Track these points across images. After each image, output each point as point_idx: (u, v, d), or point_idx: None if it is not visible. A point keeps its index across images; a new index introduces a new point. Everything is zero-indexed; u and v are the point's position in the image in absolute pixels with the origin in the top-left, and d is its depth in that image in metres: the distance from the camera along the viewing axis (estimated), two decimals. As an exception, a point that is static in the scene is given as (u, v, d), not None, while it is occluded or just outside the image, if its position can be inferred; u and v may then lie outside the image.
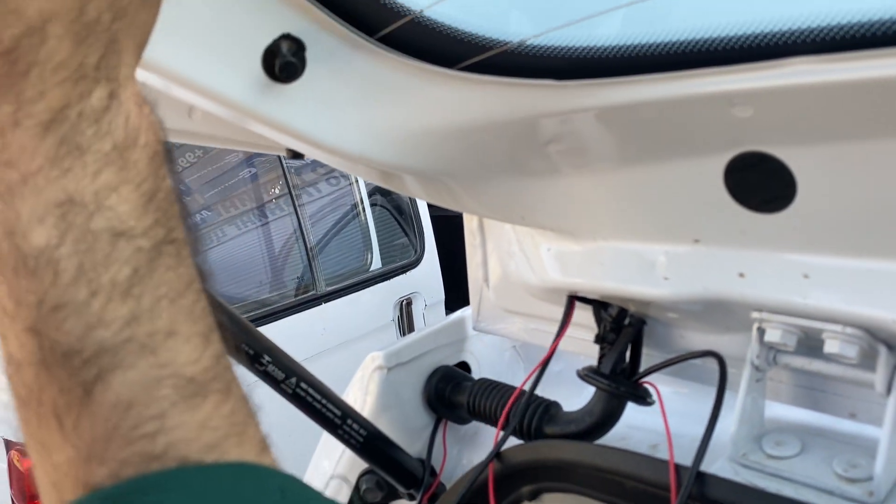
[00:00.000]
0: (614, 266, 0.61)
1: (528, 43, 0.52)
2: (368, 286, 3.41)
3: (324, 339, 3.15)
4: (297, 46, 0.56)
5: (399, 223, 3.82)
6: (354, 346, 3.31)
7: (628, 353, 0.67)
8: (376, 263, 3.55)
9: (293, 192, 3.24)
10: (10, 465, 2.44)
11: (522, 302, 0.75)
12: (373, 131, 0.59)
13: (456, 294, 3.88)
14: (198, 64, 0.55)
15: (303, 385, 0.67)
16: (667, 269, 0.58)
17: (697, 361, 0.63)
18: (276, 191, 3.26)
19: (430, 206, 3.82)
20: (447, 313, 3.80)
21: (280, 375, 0.67)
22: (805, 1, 0.43)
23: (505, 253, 0.73)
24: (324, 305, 3.17)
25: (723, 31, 0.45)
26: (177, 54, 0.54)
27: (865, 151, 0.45)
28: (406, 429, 0.78)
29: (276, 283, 3.15)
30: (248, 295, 3.05)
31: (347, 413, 0.69)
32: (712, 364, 0.62)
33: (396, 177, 0.64)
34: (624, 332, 0.63)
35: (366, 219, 3.60)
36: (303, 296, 3.12)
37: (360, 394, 0.78)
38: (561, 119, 0.55)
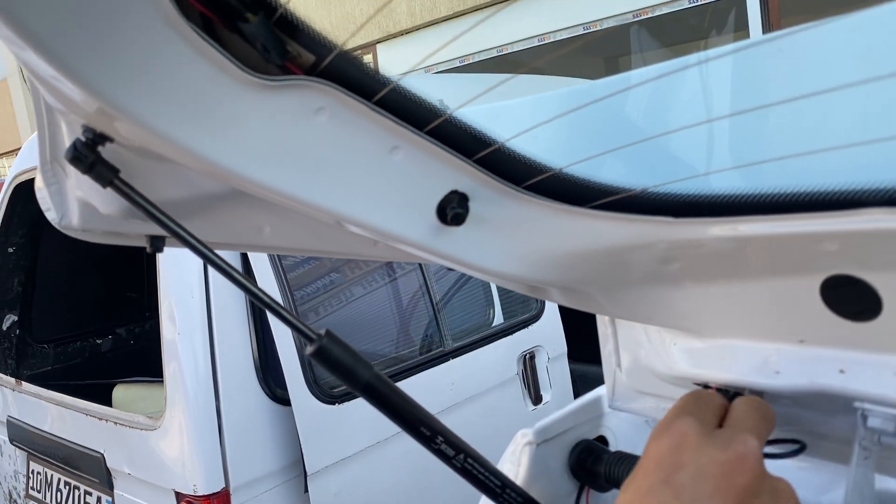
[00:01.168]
0: (734, 361, 0.72)
1: (649, 190, 0.65)
2: (492, 341, 3.55)
3: (452, 394, 3.30)
4: (463, 198, 0.72)
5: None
6: (482, 400, 3.46)
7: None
8: (498, 318, 3.69)
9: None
10: None
11: (652, 384, 0.87)
12: (522, 257, 0.74)
13: (578, 346, 3.96)
14: (385, 216, 0.72)
15: (469, 460, 0.82)
16: (778, 365, 0.69)
17: (812, 438, 0.72)
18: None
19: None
20: (570, 365, 3.87)
21: (451, 452, 0.81)
22: (877, 167, 0.54)
23: (635, 342, 0.85)
24: (451, 361, 3.33)
25: (810, 186, 0.57)
26: (367, 209, 0.71)
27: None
28: (554, 496, 0.91)
29: (407, 342, 3.34)
30: (382, 352, 3.24)
31: (506, 483, 0.83)
32: (826, 442, 0.71)
33: (542, 289, 0.78)
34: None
35: (487, 275, 3.75)
36: (431, 353, 3.29)
37: (513, 466, 0.92)
38: (676, 246, 0.68)
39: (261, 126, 0.65)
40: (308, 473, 2.74)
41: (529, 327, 3.74)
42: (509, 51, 9.35)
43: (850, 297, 0.61)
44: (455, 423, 3.23)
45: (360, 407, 2.93)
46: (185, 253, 2.91)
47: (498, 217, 0.72)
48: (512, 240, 0.73)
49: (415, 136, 0.69)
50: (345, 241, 0.83)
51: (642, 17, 8.41)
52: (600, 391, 0.96)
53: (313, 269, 3.13)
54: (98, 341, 4.62)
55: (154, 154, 0.70)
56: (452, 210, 0.71)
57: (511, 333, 3.65)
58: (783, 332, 0.68)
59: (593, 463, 0.92)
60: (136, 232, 0.81)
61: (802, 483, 0.77)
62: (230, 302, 2.74)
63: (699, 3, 8.12)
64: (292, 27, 0.62)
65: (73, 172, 0.75)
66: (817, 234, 0.57)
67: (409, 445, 3.30)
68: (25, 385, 3.61)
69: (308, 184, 0.69)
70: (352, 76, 0.66)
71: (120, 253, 4.64)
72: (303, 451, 2.72)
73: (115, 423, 2.95)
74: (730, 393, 0.75)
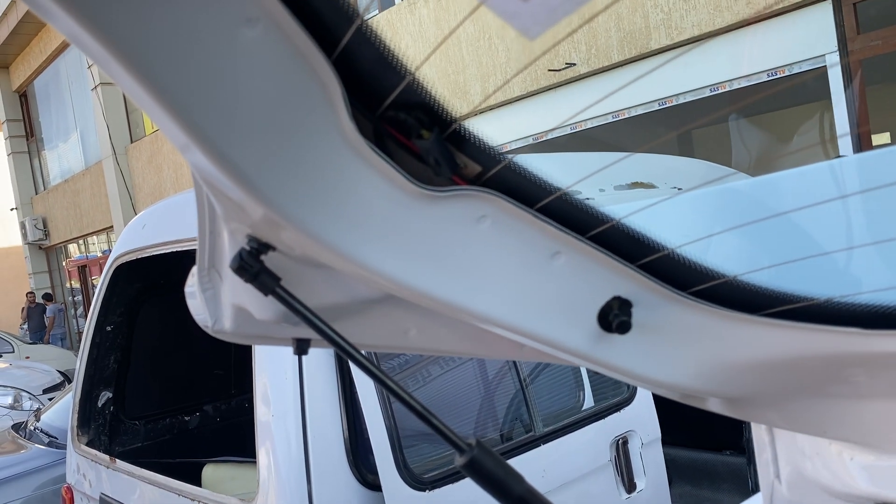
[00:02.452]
0: (926, 482, 0.66)
1: (837, 301, 0.62)
2: (583, 425, 3.43)
3: (544, 481, 3.19)
4: (625, 304, 0.70)
5: (607, 358, 3.85)
6: (574, 487, 3.33)
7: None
8: (589, 401, 3.58)
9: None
10: None
11: (817, 498, 0.80)
12: (686, 366, 0.71)
13: (672, 430, 3.79)
14: (543, 322, 0.70)
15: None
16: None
17: None
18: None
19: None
20: (664, 451, 3.71)
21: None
22: None
23: (798, 453, 0.80)
24: (542, 447, 3.23)
25: None
26: (524, 314, 0.70)
27: None
28: None
29: (496, 425, 3.26)
30: (470, 435, 3.17)
31: None
32: None
33: (700, 399, 0.74)
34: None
35: (575, 356, 3.67)
36: (523, 437, 3.20)
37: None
38: (865, 357, 0.63)
39: (426, 235, 0.65)
40: (399, 563, 2.66)
41: (621, 411, 3.61)
42: (584, 127, 9.42)
43: None
44: (547, 510, 3.12)
45: (451, 493, 2.86)
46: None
47: (663, 324, 0.69)
48: (678, 348, 0.70)
49: (577, 241, 0.67)
50: (490, 343, 0.81)
51: (720, 91, 8.37)
52: (756, 501, 0.90)
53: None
54: (186, 418, 4.71)
55: (315, 262, 0.70)
56: (616, 318, 0.68)
57: (602, 417, 3.52)
58: None
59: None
60: (287, 335, 0.81)
61: None
62: (322, 384, 2.75)
63: (778, 76, 8.05)
64: (462, 140, 0.62)
65: (229, 278, 0.77)
66: None
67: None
68: (119, 463, 3.67)
69: (468, 290, 0.68)
70: (516, 184, 0.65)
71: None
72: (394, 539, 2.65)
73: (207, 505, 2.96)
74: None
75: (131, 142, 17.98)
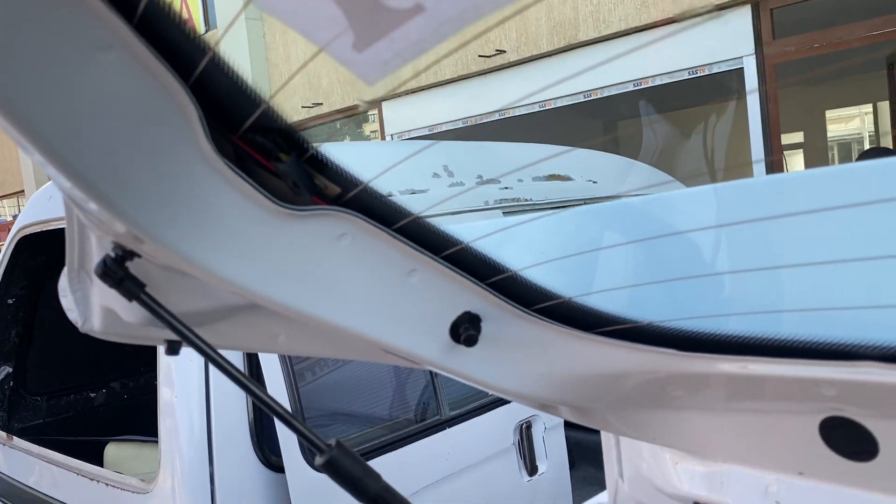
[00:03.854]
0: (734, 486, 0.74)
1: (659, 324, 0.68)
2: (489, 410, 3.52)
3: (448, 464, 3.27)
4: (475, 319, 0.75)
5: (517, 345, 3.95)
6: (477, 470, 3.42)
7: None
8: (496, 386, 3.67)
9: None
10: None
11: (652, 497, 0.88)
12: (531, 377, 0.77)
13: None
14: (399, 334, 0.75)
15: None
16: (778, 495, 0.71)
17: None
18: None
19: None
20: (567, 435, 3.85)
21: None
22: (874, 324, 0.57)
23: (637, 455, 0.87)
24: (448, 430, 3.30)
25: (814, 336, 0.60)
26: (382, 327, 0.74)
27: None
28: None
29: (404, 408, 3.32)
30: (378, 418, 3.22)
31: None
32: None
33: (549, 406, 0.80)
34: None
35: (485, 342, 3.75)
36: (428, 420, 3.27)
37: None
38: (680, 376, 0.70)
39: (286, 251, 0.68)
40: (300, 543, 2.69)
41: (526, 396, 3.72)
42: (512, 114, 9.53)
43: (847, 438, 0.64)
44: (450, 493, 3.20)
45: (355, 476, 2.90)
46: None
47: (509, 338, 0.75)
48: (522, 360, 0.75)
49: (431, 260, 0.72)
50: (358, 349, 0.85)
51: (643, 87, 8.60)
52: (601, 498, 0.98)
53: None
54: (92, 395, 4.59)
55: (179, 270, 0.72)
56: (466, 331, 0.74)
57: (507, 402, 3.63)
58: (784, 464, 0.70)
59: (595, 573, 0.93)
60: (156, 336, 0.83)
61: None
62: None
63: (699, 74, 8.32)
64: (321, 163, 0.65)
65: (98, 280, 0.78)
66: (818, 379, 0.60)
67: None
68: (16, 440, 3.57)
69: (327, 304, 0.71)
70: (374, 206, 0.69)
71: (119, 306, 4.64)
72: (295, 520, 2.68)
73: (107, 485, 2.92)
74: None
75: (45, 103, 17.16)
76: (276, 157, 0.63)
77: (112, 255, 0.71)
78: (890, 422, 0.59)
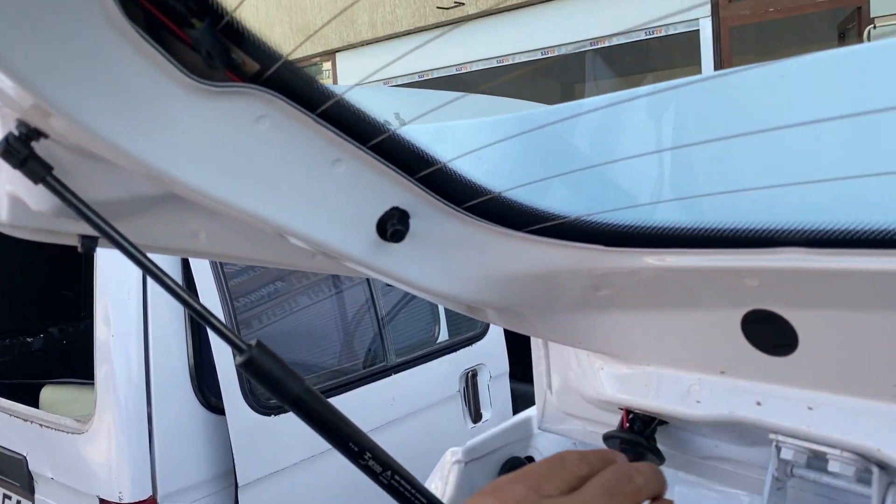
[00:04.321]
0: (656, 388, 0.74)
1: (582, 219, 0.67)
2: (436, 357, 3.54)
3: (393, 409, 3.28)
4: (404, 215, 0.73)
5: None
6: (422, 416, 3.45)
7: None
8: (443, 335, 3.69)
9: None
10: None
11: (580, 408, 0.88)
12: (460, 277, 0.75)
13: (521, 365, 3.98)
14: (325, 229, 0.72)
15: (396, 477, 0.82)
16: (699, 394, 0.71)
17: (725, 467, 0.74)
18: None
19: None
20: (511, 384, 3.90)
21: (378, 469, 0.81)
22: (798, 209, 0.57)
23: (565, 365, 0.87)
24: (394, 376, 3.31)
25: (735, 224, 0.59)
26: (307, 220, 0.71)
27: (847, 318, 0.57)
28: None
29: (350, 354, 3.31)
30: (324, 364, 3.21)
31: (432, 501, 0.83)
32: (743, 471, 0.73)
33: (479, 309, 0.79)
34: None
35: (433, 291, 3.75)
36: (374, 367, 3.27)
37: (441, 483, 0.92)
38: (606, 273, 0.69)
39: (200, 130, 0.64)
40: (239, 485, 2.68)
41: (473, 345, 3.75)
42: (469, 70, 9.44)
43: (768, 332, 0.64)
44: (394, 439, 3.21)
45: (297, 419, 2.89)
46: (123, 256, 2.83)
47: (438, 236, 0.73)
48: (450, 259, 0.74)
49: (358, 150, 0.69)
50: (283, 251, 0.82)
51: (599, 46, 8.59)
52: (531, 412, 0.97)
53: (257, 276, 3.08)
54: (29, 339, 4.47)
55: (89, 153, 0.68)
56: (393, 226, 0.71)
57: (455, 351, 3.65)
58: (705, 363, 0.70)
59: (520, 483, 0.92)
60: (68, 231, 0.79)
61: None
62: (167, 306, 2.68)
63: (655, 35, 8.33)
64: (238, 35, 0.62)
65: (4, 166, 0.73)
66: (739, 269, 0.60)
67: (344, 461, 3.27)
68: (-53, 382, 3.46)
69: (246, 191, 0.68)
70: (296, 87, 0.66)
71: (56, 250, 4.51)
72: (235, 461, 2.66)
73: (41, 426, 2.85)
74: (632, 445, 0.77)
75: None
76: (188, 23, 0.59)
77: (15, 132, 0.66)
78: (811, 312, 0.59)
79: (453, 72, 9.65)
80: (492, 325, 3.89)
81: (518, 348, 3.93)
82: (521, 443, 0.97)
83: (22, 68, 0.56)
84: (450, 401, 3.63)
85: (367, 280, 3.40)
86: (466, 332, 3.80)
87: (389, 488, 0.82)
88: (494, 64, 9.23)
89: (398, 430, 3.28)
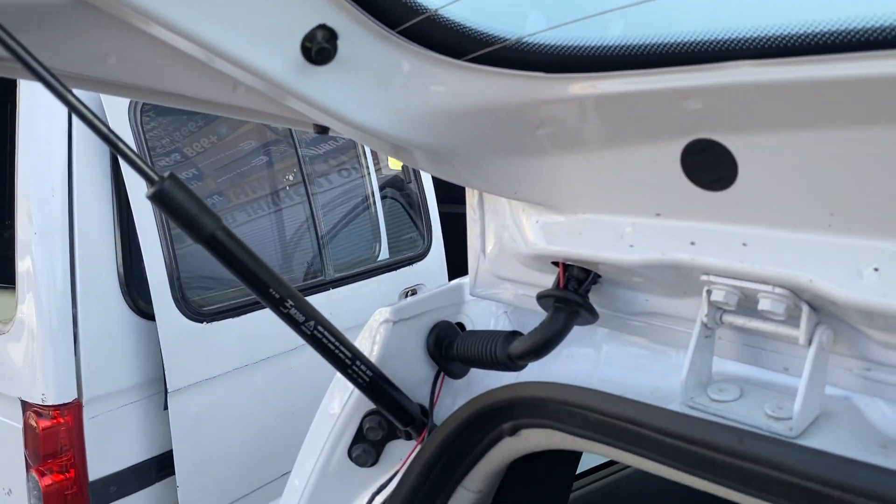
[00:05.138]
0: (590, 235, 0.71)
1: (524, 41, 0.63)
2: (375, 275, 3.52)
3: (333, 319, 3.25)
4: (331, 35, 0.67)
5: (409, 216, 3.92)
6: (359, 331, 3.43)
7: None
8: (384, 254, 3.66)
9: (307, 181, 3.33)
10: (26, 425, 2.55)
11: (514, 270, 0.85)
12: (390, 110, 0.70)
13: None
14: (246, 44, 0.66)
15: (319, 328, 0.78)
16: (633, 238, 0.68)
17: (655, 322, 0.73)
18: (291, 178, 3.35)
19: (438, 202, 3.93)
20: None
21: (300, 318, 0.77)
22: (745, 16, 0.53)
23: (500, 226, 0.83)
24: (331, 291, 3.27)
25: (676, 37, 0.55)
26: (227, 34, 0.65)
27: (790, 141, 0.55)
28: (408, 379, 0.89)
29: (286, 268, 3.25)
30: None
31: (357, 355, 0.80)
32: (672, 325, 0.72)
33: (407, 151, 0.75)
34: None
35: (376, 211, 3.70)
36: (311, 280, 3.22)
37: (368, 343, 0.89)
38: (547, 105, 0.65)
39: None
40: (169, 391, 2.63)
41: (414, 265, 3.73)
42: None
43: (708, 164, 0.61)
44: (329, 352, 3.20)
45: (230, 328, 2.85)
46: (49, 147, 2.68)
47: (367, 61, 0.68)
48: (380, 89, 0.69)
49: (283, -44, 0.63)
50: (201, 82, 0.76)
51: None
52: (462, 280, 0.95)
53: (196, 190, 2.98)
54: (-52, 245, 4.27)
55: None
56: (318, 45, 0.66)
57: (395, 269, 3.63)
58: (641, 206, 0.68)
59: (449, 346, 0.91)
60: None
61: (646, 368, 0.78)
62: (95, 206, 2.57)
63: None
64: None
65: None
66: (681, 88, 0.56)
67: (278, 371, 3.24)
68: None
69: (169, 4, 0.61)
70: None
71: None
72: (165, 367, 2.61)
73: (-44, 327, 2.73)
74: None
75: None
76: None
77: None
78: (753, 137, 0.57)
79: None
80: (433, 246, 3.88)
81: (459, 270, 3.93)
82: (452, 308, 0.95)
83: None
84: (388, 319, 3.62)
85: (308, 198, 3.34)
86: (407, 252, 3.78)
87: (312, 339, 0.79)
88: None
89: (334, 345, 3.26)
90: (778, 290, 0.61)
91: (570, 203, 0.73)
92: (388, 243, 3.70)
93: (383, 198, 3.84)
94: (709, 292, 0.66)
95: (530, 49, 0.63)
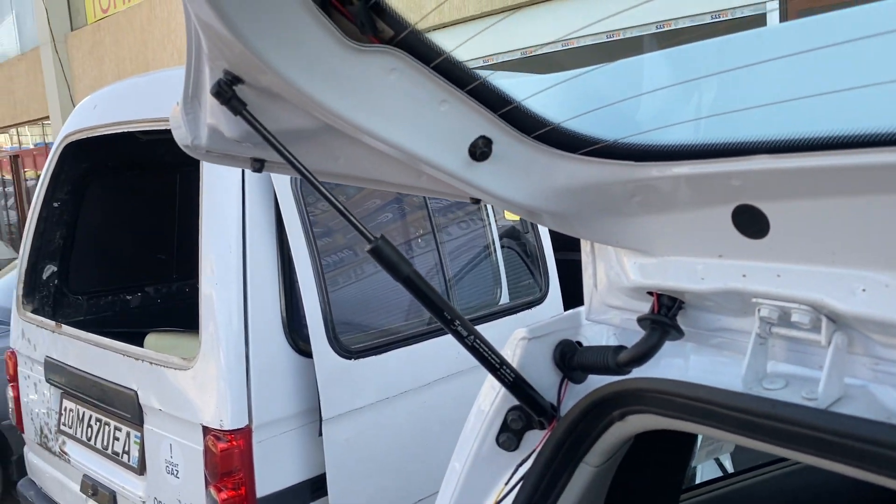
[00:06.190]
0: (674, 271, 1.00)
1: (619, 141, 0.94)
2: (498, 318, 3.82)
3: (457, 362, 3.58)
4: (488, 141, 1.01)
5: (526, 264, 4.22)
6: (483, 371, 3.73)
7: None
8: (505, 298, 3.96)
9: (435, 231, 3.69)
10: (206, 447, 2.99)
11: (619, 300, 1.14)
12: (529, 189, 1.03)
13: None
14: (432, 149, 1.00)
15: (477, 341, 1.10)
16: (704, 273, 0.96)
17: (724, 336, 1.00)
18: (421, 230, 3.72)
19: (554, 250, 4.22)
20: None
21: (464, 333, 1.10)
22: (763, 124, 0.82)
23: (608, 266, 1.13)
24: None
25: (720, 138, 0.85)
26: (419, 142, 1.00)
27: (801, 206, 0.82)
28: (540, 382, 1.19)
29: (418, 310, 3.61)
30: (394, 320, 3.52)
31: (503, 361, 1.11)
32: (735, 336, 0.99)
33: (538, 215, 1.06)
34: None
35: (496, 259, 4.02)
36: (438, 323, 3.55)
37: (510, 354, 1.20)
38: (637, 183, 0.96)
39: (351, 77, 0.93)
40: (323, 419, 3.02)
41: (533, 309, 4.01)
42: (533, 53, 9.62)
43: (749, 221, 0.89)
44: (458, 388, 3.51)
45: (374, 364, 3.22)
46: (227, 212, 3.18)
47: (514, 157, 1.01)
48: (522, 175, 1.01)
49: (458, 93, 0.97)
50: (398, 172, 1.11)
51: (665, 29, 8.65)
52: (580, 308, 1.24)
53: (338, 239, 3.41)
54: (128, 297, 4.93)
55: (272, 93, 0.98)
56: (479, 149, 0.99)
57: (515, 313, 3.92)
58: (708, 250, 0.96)
59: (570, 358, 1.20)
60: (246, 155, 1.09)
61: (720, 371, 1.05)
62: (263, 262, 3.03)
63: (721, 18, 8.36)
64: (381, 10, 0.90)
65: (207, 105, 1.04)
66: (726, 173, 0.86)
67: (413, 404, 3.57)
68: (65, 328, 3.90)
69: (378, 120, 0.97)
70: (417, 47, 0.94)
71: (152, 215, 4.95)
72: (320, 398, 3.00)
73: (151, 364, 3.25)
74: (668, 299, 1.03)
75: (72, 30, 17.26)
76: (349, 2, 0.88)
77: (224, 78, 0.96)
78: (777, 202, 0.85)
79: (518, 55, 9.84)
80: (551, 292, 4.14)
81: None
82: (572, 329, 1.24)
83: (244, 31, 0.86)
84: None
85: (437, 245, 3.70)
86: (527, 297, 4.06)
87: (472, 349, 1.11)
88: (560, 47, 9.39)
89: (462, 381, 3.57)
90: (803, 306, 0.87)
91: (658, 248, 1.02)
92: (509, 288, 4.00)
93: (503, 247, 4.15)
94: (758, 310, 0.93)
95: (623, 146, 0.94)
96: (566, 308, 4.14)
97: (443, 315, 1.09)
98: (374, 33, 0.92)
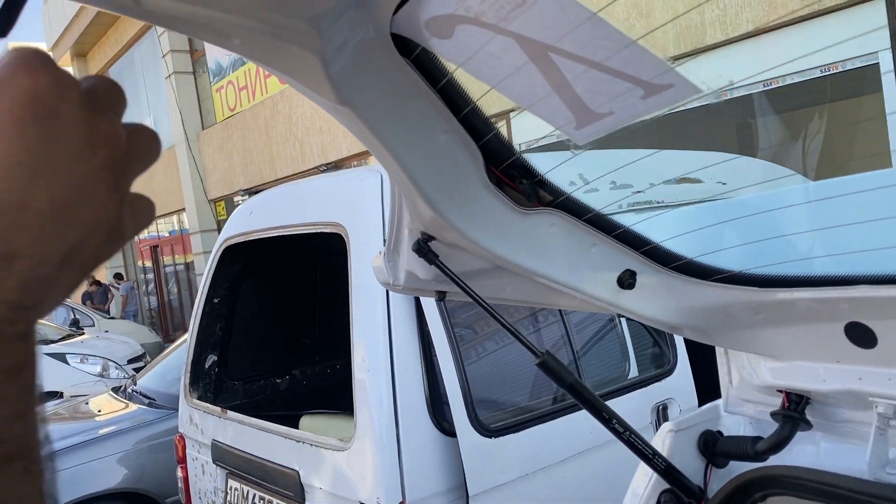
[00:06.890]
0: (800, 374, 1.19)
1: (743, 271, 1.15)
2: (628, 392, 3.93)
3: (592, 437, 3.71)
4: (633, 274, 1.24)
5: (652, 335, 4.32)
6: (617, 444, 3.83)
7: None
8: (633, 371, 4.07)
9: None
10: None
11: (752, 395, 1.33)
12: (670, 309, 1.25)
13: (708, 399, 4.26)
14: (587, 283, 1.25)
15: (633, 436, 1.32)
16: (825, 376, 1.15)
17: (849, 427, 1.17)
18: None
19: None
20: (700, 417, 4.16)
21: (621, 430, 1.32)
22: (868, 259, 1.02)
23: (740, 366, 1.33)
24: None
25: (830, 272, 1.05)
26: (578, 279, 1.25)
27: (901, 323, 1.01)
28: (687, 468, 1.39)
29: (551, 387, 3.79)
30: (531, 396, 3.71)
31: (654, 452, 1.32)
32: (854, 426, 1.16)
33: (678, 328, 1.28)
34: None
35: (622, 331, 4.15)
36: (571, 398, 3.72)
37: (660, 444, 1.41)
38: (761, 304, 1.17)
39: (520, 233, 1.20)
40: (469, 495, 3.22)
41: (662, 381, 4.09)
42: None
43: (860, 334, 1.08)
44: (594, 463, 3.64)
45: (513, 441, 3.42)
46: (374, 306, 3.50)
47: (655, 285, 1.24)
48: (662, 298, 1.24)
49: (605, 237, 1.22)
50: (556, 297, 1.36)
51: (772, 87, 8.65)
52: (718, 402, 1.44)
53: (471, 317, 3.67)
54: (278, 380, 5.35)
55: (457, 246, 1.26)
56: (626, 280, 1.23)
57: (645, 385, 4.01)
58: (827, 356, 1.15)
59: (713, 446, 1.38)
60: (433, 289, 1.37)
61: (847, 457, 1.22)
62: (407, 351, 3.32)
63: (832, 72, 8.29)
64: (542, 183, 1.17)
65: (404, 255, 1.34)
66: (837, 298, 1.06)
67: (553, 478, 3.71)
68: (230, 413, 4.32)
69: (543, 265, 1.23)
70: (570, 207, 1.20)
71: (296, 303, 5.41)
72: (465, 476, 3.22)
73: (311, 445, 3.57)
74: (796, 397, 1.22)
75: (203, 128, 18.73)
76: (520, 181, 1.16)
77: (421, 238, 1.26)
78: (881, 320, 1.04)
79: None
80: (680, 363, 4.22)
81: (704, 385, 4.22)
82: (713, 420, 1.43)
83: (443, 208, 1.15)
84: (643, 431, 3.97)
85: (563, 321, 3.89)
86: (655, 369, 4.15)
87: (628, 443, 1.33)
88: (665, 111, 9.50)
89: (597, 456, 3.70)
90: (915, 405, 1.04)
91: (783, 354, 1.21)
92: (637, 361, 4.11)
93: (628, 319, 4.26)
94: (876, 407, 1.10)
95: (748, 276, 1.15)
96: (696, 377, 4.19)
97: (602, 415, 1.31)
98: (538, 200, 1.19)
